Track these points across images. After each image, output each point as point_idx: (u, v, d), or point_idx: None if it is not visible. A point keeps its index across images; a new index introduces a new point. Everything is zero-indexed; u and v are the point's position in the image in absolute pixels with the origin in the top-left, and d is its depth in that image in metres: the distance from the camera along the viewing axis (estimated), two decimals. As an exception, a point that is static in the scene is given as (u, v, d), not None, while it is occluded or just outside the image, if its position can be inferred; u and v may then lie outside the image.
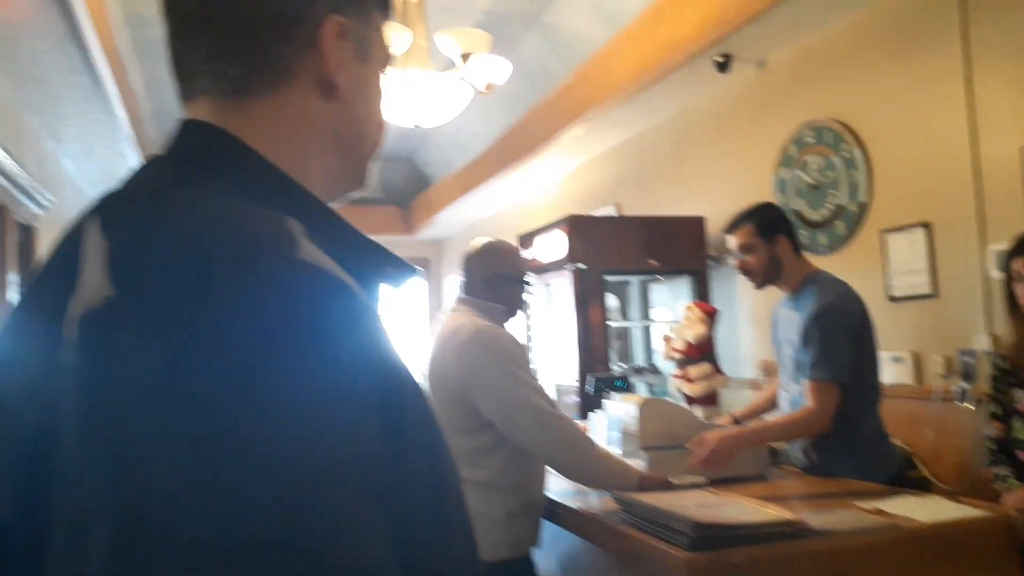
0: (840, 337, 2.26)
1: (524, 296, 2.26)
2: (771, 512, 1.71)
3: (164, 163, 0.61)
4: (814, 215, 3.52)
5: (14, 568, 0.48)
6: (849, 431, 2.28)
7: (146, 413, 0.43)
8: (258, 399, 0.44)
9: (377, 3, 0.68)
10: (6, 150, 3.43)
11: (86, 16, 3.14)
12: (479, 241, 2.28)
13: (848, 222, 3.33)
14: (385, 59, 0.70)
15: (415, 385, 0.55)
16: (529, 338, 4.49)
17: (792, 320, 2.42)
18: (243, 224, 0.51)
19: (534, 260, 4.36)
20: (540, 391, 2.03)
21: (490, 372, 2.00)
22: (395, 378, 0.52)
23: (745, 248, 2.44)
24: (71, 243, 0.54)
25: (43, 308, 0.52)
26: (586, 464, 2.06)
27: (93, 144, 4.82)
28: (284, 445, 0.44)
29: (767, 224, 2.43)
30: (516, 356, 2.06)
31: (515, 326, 2.25)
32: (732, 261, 2.53)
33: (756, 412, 2.79)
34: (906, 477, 2.46)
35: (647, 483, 2.07)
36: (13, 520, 0.48)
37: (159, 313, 0.46)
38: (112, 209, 0.55)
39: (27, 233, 4.26)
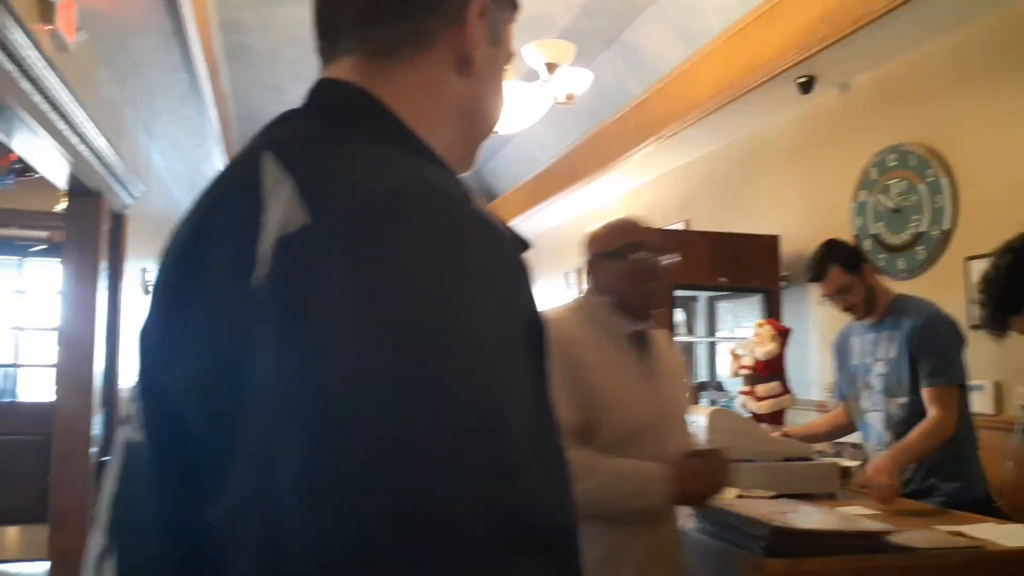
0: (953, 344, 2.33)
1: (641, 281, 1.68)
2: (853, 522, 1.70)
3: (310, 115, 0.64)
4: (893, 239, 3.47)
5: (202, 471, 0.51)
6: (950, 445, 2.29)
7: (345, 329, 0.47)
8: (449, 322, 0.48)
9: (512, 3, 0.73)
10: (107, 139, 3.61)
11: (191, 16, 3.31)
12: None
13: (929, 247, 3.27)
14: (509, 53, 0.74)
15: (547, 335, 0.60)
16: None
17: (878, 341, 2.44)
18: (426, 170, 0.56)
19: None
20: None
21: None
22: (540, 325, 0.57)
23: (843, 290, 2.48)
24: (241, 179, 0.56)
25: (222, 233, 0.54)
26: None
27: (182, 141, 5.02)
28: (466, 366, 0.48)
29: (849, 260, 2.49)
30: None
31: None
32: (823, 302, 2.57)
33: (811, 436, 2.78)
34: (990, 506, 2.43)
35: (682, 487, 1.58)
36: (203, 431, 0.51)
37: (356, 239, 0.49)
38: (285, 149, 0.56)
39: (118, 221, 4.46)
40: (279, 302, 0.48)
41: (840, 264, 2.48)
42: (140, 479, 0.58)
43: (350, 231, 0.50)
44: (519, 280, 0.55)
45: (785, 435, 2.71)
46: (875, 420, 2.49)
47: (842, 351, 2.63)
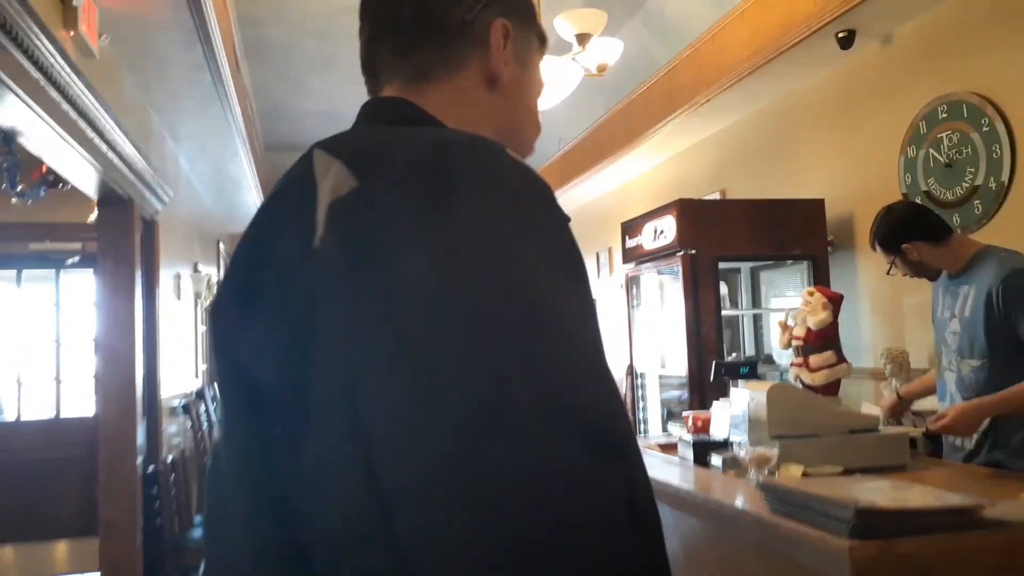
0: None
1: None
2: (942, 497, 1.61)
3: (356, 125, 0.70)
4: (947, 195, 3.33)
5: (280, 421, 0.54)
6: None
7: (409, 276, 0.51)
8: (504, 248, 0.53)
9: (537, 34, 0.79)
10: (136, 146, 3.58)
11: (212, 12, 3.25)
12: None
13: (986, 201, 3.13)
14: (541, 85, 0.80)
15: None
16: (632, 329, 4.38)
17: (959, 294, 2.31)
18: (465, 133, 0.61)
19: (639, 247, 4.29)
20: None
21: None
22: (578, 251, 0.60)
23: (891, 264, 2.42)
24: (296, 174, 0.61)
25: (284, 217, 0.59)
26: None
27: (208, 141, 4.99)
28: (526, 289, 0.52)
29: (888, 241, 2.38)
30: None
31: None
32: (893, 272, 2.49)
33: (925, 391, 2.66)
34: None
35: None
36: (283, 391, 0.55)
37: (406, 190, 0.54)
38: (332, 143, 0.62)
39: (150, 228, 4.45)
40: (340, 254, 0.53)
41: (879, 243, 2.37)
42: (225, 472, 0.61)
43: (399, 184, 0.54)
44: (554, 209, 0.59)
45: (899, 396, 2.63)
46: (949, 380, 2.37)
47: (933, 301, 2.50)
